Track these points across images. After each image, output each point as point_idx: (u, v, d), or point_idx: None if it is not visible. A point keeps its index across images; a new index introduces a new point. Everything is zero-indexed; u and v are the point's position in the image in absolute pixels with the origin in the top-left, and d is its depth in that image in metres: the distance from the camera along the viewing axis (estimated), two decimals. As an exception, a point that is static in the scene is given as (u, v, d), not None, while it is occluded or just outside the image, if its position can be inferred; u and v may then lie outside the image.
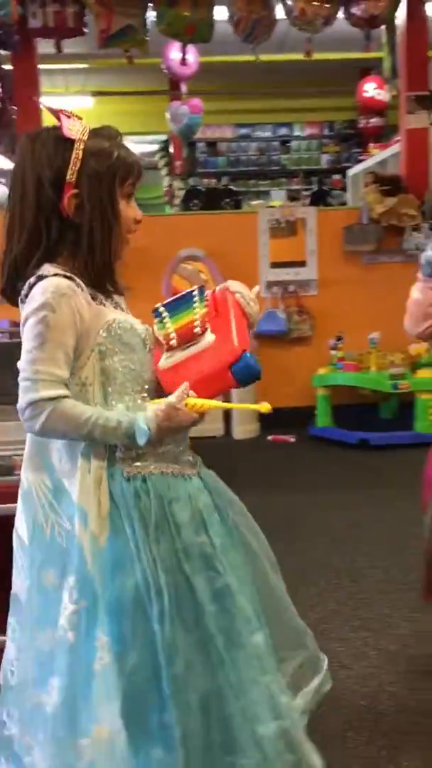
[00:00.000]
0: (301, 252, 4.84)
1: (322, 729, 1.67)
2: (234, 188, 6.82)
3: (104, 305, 1.30)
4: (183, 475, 1.31)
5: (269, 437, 4.49)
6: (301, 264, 4.83)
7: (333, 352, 4.50)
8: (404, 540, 2.82)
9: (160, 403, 1.23)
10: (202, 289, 1.34)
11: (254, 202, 6.93)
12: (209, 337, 1.27)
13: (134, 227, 1.33)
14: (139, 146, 8.93)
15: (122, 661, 1.19)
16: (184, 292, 1.37)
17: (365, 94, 6.66)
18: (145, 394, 1.29)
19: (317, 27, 4.66)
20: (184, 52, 4.81)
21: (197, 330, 1.26)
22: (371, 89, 6.59)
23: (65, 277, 1.24)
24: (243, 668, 1.24)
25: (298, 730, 1.28)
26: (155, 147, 8.81)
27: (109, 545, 1.22)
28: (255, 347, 1.39)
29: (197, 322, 1.27)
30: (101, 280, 1.29)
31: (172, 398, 1.22)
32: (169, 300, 1.37)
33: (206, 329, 1.27)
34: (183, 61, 4.96)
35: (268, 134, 9.25)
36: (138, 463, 1.27)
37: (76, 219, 1.26)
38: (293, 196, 8.40)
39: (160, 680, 1.20)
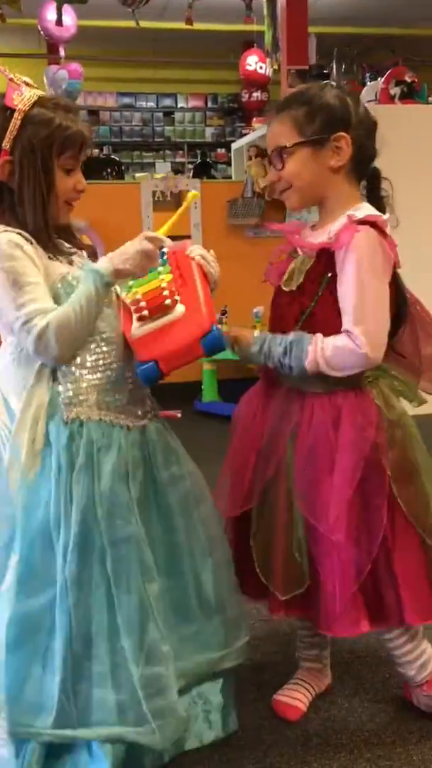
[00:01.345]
0: (186, 225, 4.78)
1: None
2: (117, 158, 6.64)
3: (58, 260, 1.42)
4: (122, 426, 1.41)
5: (156, 413, 4.46)
6: (186, 237, 4.78)
7: (220, 327, 4.50)
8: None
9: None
10: (162, 252, 1.43)
11: (138, 175, 6.80)
12: (180, 309, 1.34)
13: (75, 196, 1.44)
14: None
15: (24, 584, 1.34)
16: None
17: (248, 68, 6.64)
18: (97, 344, 1.40)
19: (198, -6, 4.58)
20: (59, 13, 4.59)
21: (167, 302, 1.32)
22: (253, 63, 6.57)
23: (15, 233, 1.36)
24: (133, 611, 1.34)
25: (170, 679, 1.37)
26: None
27: (35, 479, 1.35)
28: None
29: (166, 292, 1.33)
30: (41, 242, 1.39)
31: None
32: None
33: (176, 301, 1.33)
34: (59, 22, 4.74)
35: (151, 105, 9.10)
36: (79, 408, 1.38)
37: (11, 184, 1.36)
38: (177, 169, 8.33)
39: (54, 608, 1.34)
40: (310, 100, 1.42)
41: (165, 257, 1.43)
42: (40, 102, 1.36)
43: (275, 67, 5.43)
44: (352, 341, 1.37)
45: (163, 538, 1.46)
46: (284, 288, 1.48)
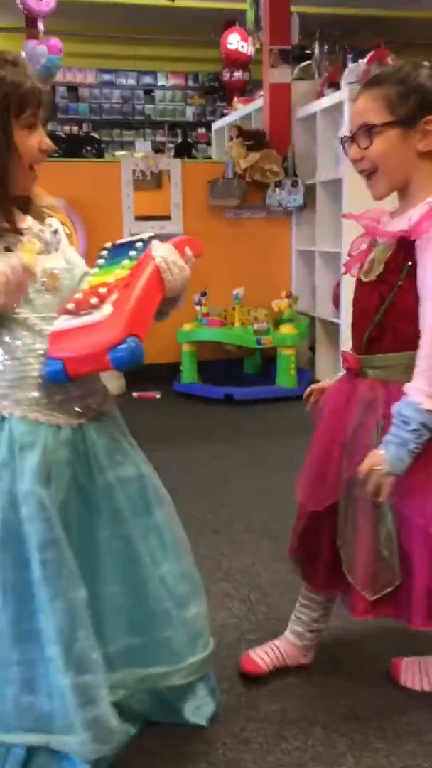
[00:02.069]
0: (166, 206, 4.75)
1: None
2: (96, 136, 6.57)
3: None
4: (51, 424, 1.31)
5: (134, 394, 4.45)
6: (167, 218, 4.75)
7: (198, 308, 4.49)
8: (265, 491, 2.89)
9: None
10: (147, 242, 1.31)
11: (118, 153, 6.74)
12: (105, 310, 1.22)
13: (40, 157, 1.29)
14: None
15: None
16: (134, 238, 1.35)
17: (229, 47, 6.58)
18: (26, 337, 1.28)
19: (180, -30, 4.51)
20: (39, -14, 4.49)
21: (93, 300, 1.23)
22: (235, 41, 6.52)
23: None
24: (60, 618, 1.27)
25: (101, 689, 1.30)
26: (12, 89, 8.35)
27: None
28: (180, 300, 1.35)
29: (102, 289, 1.24)
30: None
31: None
32: (118, 243, 1.37)
33: (106, 300, 1.23)
34: (39, -4, 4.63)
35: (131, 82, 8.98)
36: (3, 403, 1.29)
37: None
38: (158, 148, 8.26)
39: None
40: (405, 79, 1.37)
41: (141, 250, 1.32)
42: None
43: (257, 46, 5.38)
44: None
45: (110, 544, 1.38)
46: (364, 279, 1.45)
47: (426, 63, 1.44)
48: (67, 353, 1.23)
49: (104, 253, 1.37)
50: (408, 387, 1.35)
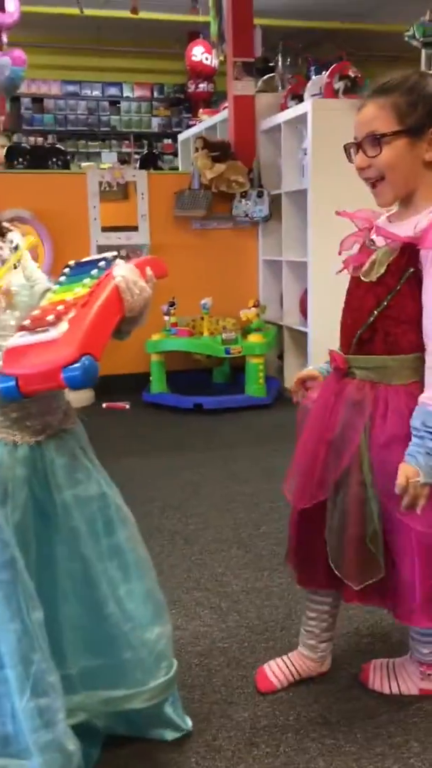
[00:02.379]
0: (133, 216, 4.76)
1: (156, 692, 1.70)
2: (62, 147, 6.56)
3: None
4: (6, 442, 1.29)
5: (103, 405, 4.44)
6: (133, 228, 4.76)
7: (166, 318, 4.50)
8: (235, 500, 2.91)
9: None
10: (110, 261, 1.31)
11: (84, 164, 6.73)
12: (62, 328, 1.21)
13: None
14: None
15: None
16: (97, 257, 1.34)
17: (194, 59, 6.63)
18: None
19: (143, -17, 4.54)
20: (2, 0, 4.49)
21: (50, 317, 1.21)
22: (199, 54, 6.57)
23: None
24: (16, 641, 1.25)
25: (58, 712, 1.27)
26: (-24, 100, 8.29)
27: None
28: (142, 318, 1.32)
29: (60, 307, 1.23)
30: None
31: None
32: (81, 261, 1.35)
33: (62, 318, 1.21)
34: (1, 8, 4.63)
35: (97, 93, 8.98)
36: None
37: None
38: (124, 159, 8.26)
39: None
40: (413, 88, 1.38)
41: (103, 269, 1.31)
42: None
43: (221, 58, 5.42)
44: None
45: (68, 564, 1.36)
46: (363, 279, 1.45)
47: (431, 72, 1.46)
48: (20, 370, 1.21)
49: (66, 270, 1.36)
50: (424, 398, 1.37)
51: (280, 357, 4.82)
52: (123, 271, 1.26)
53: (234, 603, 2.11)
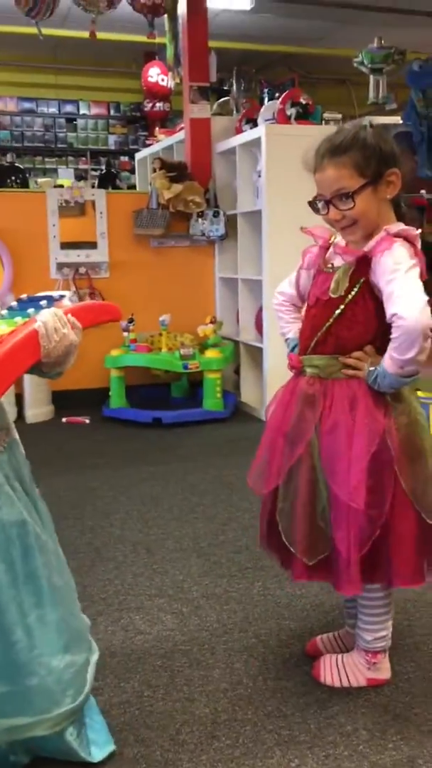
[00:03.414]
0: (92, 233, 4.86)
1: (120, 693, 1.80)
2: (20, 165, 6.61)
3: None
4: None
5: (63, 419, 4.50)
6: (92, 246, 4.85)
7: (125, 334, 4.59)
8: (194, 510, 3.01)
9: None
10: (52, 300, 1.36)
11: (41, 180, 6.79)
12: None
13: None
14: None
15: None
16: (45, 294, 1.42)
17: (150, 80, 6.78)
18: None
19: (101, 8, 4.68)
20: (-38, 21, 4.56)
21: None
22: (155, 75, 6.72)
23: None
24: None
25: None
26: None
27: None
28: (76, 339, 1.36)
29: None
30: None
31: None
32: (33, 296, 1.41)
33: None
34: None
35: (53, 110, 9.05)
36: None
37: None
38: (80, 175, 8.35)
39: None
40: (365, 144, 1.58)
41: (44, 307, 1.36)
42: None
43: (177, 80, 5.57)
44: (400, 321, 1.53)
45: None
46: (333, 295, 1.64)
47: (366, 122, 1.67)
48: None
49: (14, 304, 1.42)
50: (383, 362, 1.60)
51: (237, 372, 4.95)
52: (46, 317, 1.29)
53: (195, 608, 2.21)
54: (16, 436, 1.50)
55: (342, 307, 1.63)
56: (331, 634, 1.95)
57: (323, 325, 1.66)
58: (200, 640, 2.03)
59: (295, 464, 1.66)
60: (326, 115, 5.20)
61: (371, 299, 1.61)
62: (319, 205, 1.65)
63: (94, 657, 1.57)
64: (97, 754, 1.55)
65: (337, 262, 1.68)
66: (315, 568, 1.66)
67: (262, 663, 1.92)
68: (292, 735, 1.64)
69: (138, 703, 1.76)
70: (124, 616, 2.17)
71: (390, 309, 1.56)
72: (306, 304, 1.76)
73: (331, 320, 1.65)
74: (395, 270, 1.55)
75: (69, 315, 1.34)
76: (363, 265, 1.61)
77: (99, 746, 1.57)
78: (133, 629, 2.10)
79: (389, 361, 1.57)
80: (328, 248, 1.72)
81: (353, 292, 1.62)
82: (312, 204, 1.67)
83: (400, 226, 1.62)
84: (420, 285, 1.56)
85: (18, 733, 1.42)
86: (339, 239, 1.72)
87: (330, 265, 1.70)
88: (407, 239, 1.60)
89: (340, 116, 4.98)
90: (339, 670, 1.80)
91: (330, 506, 1.63)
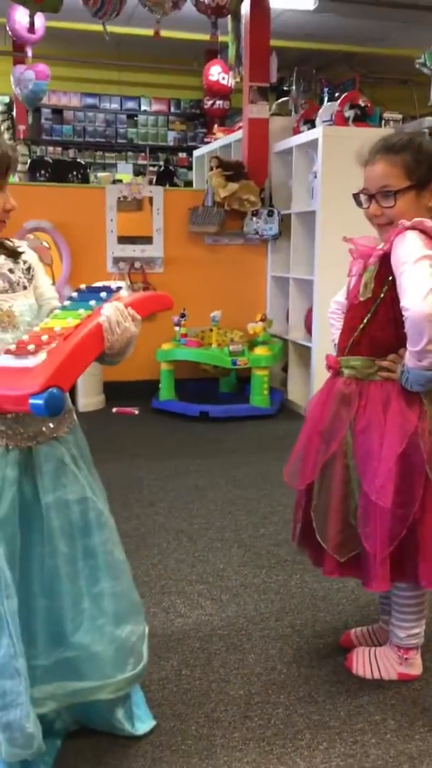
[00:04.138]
0: (148, 228, 4.97)
1: (159, 670, 1.89)
2: (81, 161, 6.78)
3: None
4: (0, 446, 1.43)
5: (113, 409, 4.63)
6: (148, 241, 4.96)
7: (176, 329, 4.69)
8: (236, 503, 3.09)
9: None
10: (111, 293, 1.44)
11: (101, 174, 6.94)
12: (40, 358, 1.30)
13: (4, 216, 1.45)
14: (-20, 107, 8.60)
15: None
16: (104, 284, 1.48)
17: (211, 78, 6.84)
18: None
19: (166, 9, 4.76)
20: (32, 22, 4.70)
21: (30, 347, 1.32)
22: (216, 73, 6.78)
23: None
24: None
25: (20, 695, 1.38)
26: (-2, 108, 8.53)
27: None
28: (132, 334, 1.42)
29: (44, 336, 1.34)
30: None
31: None
32: (90, 286, 1.48)
33: (43, 348, 1.31)
34: (31, 30, 4.85)
35: (115, 106, 9.21)
36: None
37: None
38: (139, 171, 8.49)
39: None
40: (418, 148, 1.63)
41: (102, 300, 1.42)
42: None
43: (237, 80, 5.64)
44: (406, 312, 1.55)
45: (44, 561, 1.47)
46: (361, 299, 1.69)
47: (426, 130, 1.70)
48: None
49: (74, 294, 1.49)
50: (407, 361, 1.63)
51: (285, 369, 5.00)
52: (109, 311, 1.36)
53: (233, 596, 2.29)
54: (77, 420, 1.61)
55: (373, 308, 1.68)
56: (366, 628, 2.01)
57: (358, 326, 1.71)
58: (237, 626, 2.11)
59: (329, 461, 1.71)
60: (386, 114, 5.22)
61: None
62: (363, 198, 1.69)
63: (147, 631, 1.67)
64: (141, 728, 1.66)
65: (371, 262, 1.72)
66: (346, 564, 1.71)
67: (296, 651, 1.99)
68: (323, 720, 1.71)
69: (176, 680, 1.85)
70: (165, 599, 2.27)
71: (401, 303, 1.59)
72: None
73: (364, 321, 1.69)
74: (404, 262, 1.57)
75: (129, 308, 1.41)
76: (386, 263, 1.64)
77: (142, 720, 1.67)
78: (174, 612, 2.19)
79: (408, 356, 1.60)
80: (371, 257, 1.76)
81: (383, 293, 1.65)
82: (356, 197, 1.71)
83: (417, 219, 1.63)
84: (429, 274, 1.54)
85: (84, 695, 1.52)
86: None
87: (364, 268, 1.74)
88: (423, 231, 1.61)
89: (400, 116, 5.00)
90: (371, 662, 1.86)
91: (362, 506, 1.68)
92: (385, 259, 1.64)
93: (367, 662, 1.86)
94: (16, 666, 1.38)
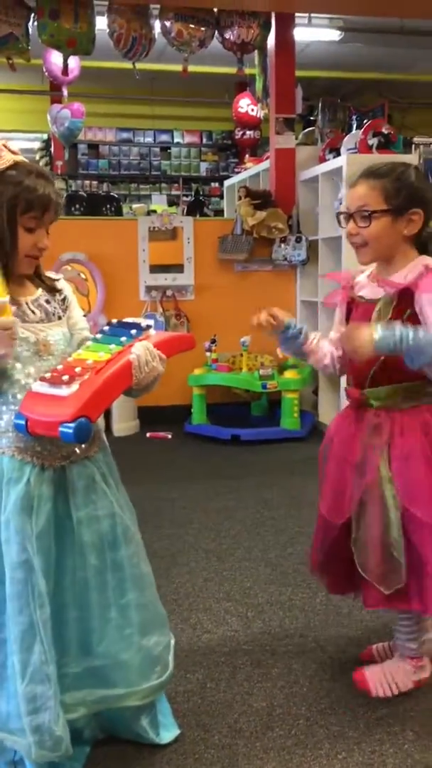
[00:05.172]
0: (180, 256, 5.11)
1: (185, 683, 1.96)
2: (115, 194, 6.99)
3: None
4: (35, 464, 1.52)
5: (147, 434, 4.74)
6: (179, 269, 5.10)
7: (207, 354, 4.80)
8: (265, 524, 3.15)
9: None
10: (141, 330, 1.54)
11: (136, 206, 7.14)
12: (73, 388, 1.40)
13: (37, 253, 1.55)
14: (19, 144, 8.92)
15: None
16: (134, 320, 1.58)
17: (240, 110, 7.01)
18: (14, 393, 1.50)
19: (193, 48, 4.94)
20: (66, 65, 4.93)
21: (65, 377, 1.43)
22: (245, 105, 6.95)
23: None
24: (21, 631, 1.47)
25: (49, 700, 1.47)
26: (37, 145, 8.84)
27: None
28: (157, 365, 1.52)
29: (78, 368, 1.45)
30: None
31: None
32: (121, 321, 1.58)
33: (76, 379, 1.42)
34: (65, 72, 5.07)
35: (149, 140, 9.47)
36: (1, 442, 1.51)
37: None
38: (173, 201, 8.69)
39: None
40: (400, 177, 1.70)
41: (132, 337, 1.52)
42: (15, 166, 1.50)
43: (265, 111, 5.79)
44: None
45: (75, 572, 1.55)
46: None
47: (414, 164, 1.80)
48: (30, 414, 1.42)
49: (106, 328, 1.60)
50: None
51: (315, 392, 5.06)
52: (140, 350, 1.48)
53: (259, 612, 2.35)
54: (105, 440, 1.71)
55: None
56: (387, 643, 2.05)
57: (378, 357, 1.70)
58: (262, 641, 2.17)
59: (365, 494, 1.73)
60: (416, 139, 5.28)
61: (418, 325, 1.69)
62: (342, 217, 1.77)
63: (173, 642, 1.75)
64: (165, 736, 1.72)
65: (368, 293, 1.78)
66: (393, 596, 1.71)
67: (319, 666, 2.04)
68: (342, 731, 1.76)
69: (201, 693, 1.92)
70: (192, 615, 2.34)
71: None
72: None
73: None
74: None
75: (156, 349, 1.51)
76: (407, 297, 1.70)
77: (167, 729, 1.74)
78: (201, 628, 2.26)
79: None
80: (353, 287, 1.83)
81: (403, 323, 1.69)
82: (338, 216, 1.79)
83: None
84: None
85: (112, 702, 1.60)
86: (366, 275, 1.83)
87: (360, 296, 1.80)
88: None
89: (431, 140, 5.07)
90: (388, 680, 1.89)
91: (409, 533, 1.69)
92: (406, 295, 1.69)
93: (384, 682, 1.89)
94: (46, 672, 1.47)
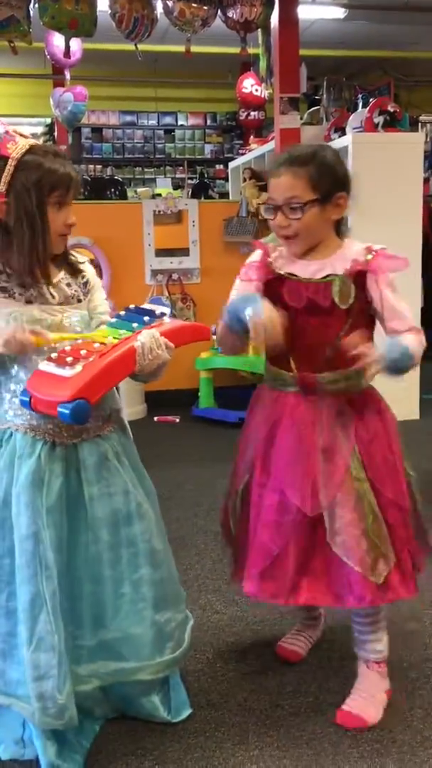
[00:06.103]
0: (185, 240, 5.09)
1: (195, 662, 1.97)
2: (119, 177, 6.97)
3: (14, 298, 1.56)
4: (46, 441, 1.56)
5: (155, 418, 4.75)
6: (185, 252, 5.08)
7: (214, 337, 4.78)
8: (274, 506, 3.16)
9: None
10: (154, 318, 1.56)
11: (140, 189, 7.11)
12: (76, 369, 1.43)
13: (66, 230, 1.58)
14: (22, 129, 8.87)
15: None
16: (149, 307, 1.60)
17: (244, 90, 6.94)
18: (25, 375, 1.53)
19: (196, 27, 4.89)
20: (67, 47, 4.89)
21: (69, 359, 1.45)
22: (249, 86, 6.88)
23: None
24: (28, 601, 1.51)
25: (53, 668, 1.50)
26: (40, 129, 8.80)
27: None
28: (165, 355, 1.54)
29: (83, 351, 1.47)
30: (27, 272, 1.56)
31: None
32: (138, 307, 1.60)
33: (80, 361, 1.44)
34: (67, 54, 5.03)
35: (152, 123, 9.41)
36: (11, 422, 1.57)
37: (9, 222, 1.52)
38: (177, 184, 8.64)
39: None
40: (322, 161, 1.63)
41: (145, 324, 1.55)
42: (31, 150, 1.52)
43: (270, 91, 5.74)
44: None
45: (88, 548, 1.59)
46: (342, 306, 1.64)
47: (330, 145, 1.71)
48: (34, 392, 1.46)
49: (122, 313, 1.61)
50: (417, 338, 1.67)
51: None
52: (145, 338, 1.49)
53: (268, 593, 2.36)
54: (126, 421, 1.73)
55: (349, 321, 1.65)
56: (295, 634, 2.03)
57: (334, 339, 1.65)
58: (271, 621, 2.18)
59: (337, 482, 1.65)
60: (422, 117, 5.24)
61: (366, 307, 1.66)
62: (268, 209, 1.69)
63: (190, 623, 1.77)
64: (177, 716, 1.74)
65: (297, 271, 1.68)
66: (384, 587, 1.63)
67: (329, 645, 2.05)
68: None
69: (211, 672, 1.94)
70: (202, 597, 2.35)
71: (402, 324, 1.65)
72: (284, 314, 1.64)
73: (341, 334, 1.64)
74: (392, 287, 1.65)
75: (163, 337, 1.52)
76: (361, 278, 1.65)
77: (179, 709, 1.76)
78: (210, 609, 2.27)
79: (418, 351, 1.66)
80: (271, 263, 1.74)
81: (355, 304, 1.65)
82: (265, 208, 1.71)
83: (372, 244, 1.66)
84: None
85: (125, 675, 1.63)
86: (284, 252, 1.73)
87: (291, 274, 1.69)
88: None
89: (437, 118, 5.03)
90: (371, 703, 1.75)
91: (384, 515, 1.66)
92: (360, 276, 1.64)
93: (368, 707, 1.74)
94: (51, 642, 1.50)
